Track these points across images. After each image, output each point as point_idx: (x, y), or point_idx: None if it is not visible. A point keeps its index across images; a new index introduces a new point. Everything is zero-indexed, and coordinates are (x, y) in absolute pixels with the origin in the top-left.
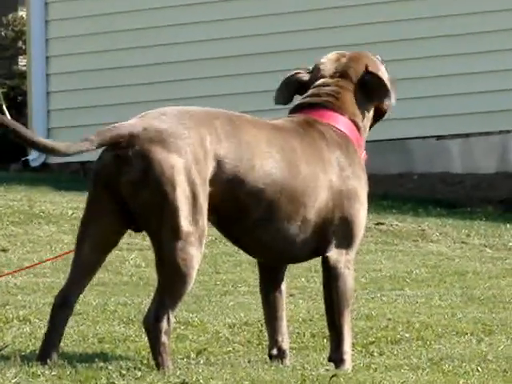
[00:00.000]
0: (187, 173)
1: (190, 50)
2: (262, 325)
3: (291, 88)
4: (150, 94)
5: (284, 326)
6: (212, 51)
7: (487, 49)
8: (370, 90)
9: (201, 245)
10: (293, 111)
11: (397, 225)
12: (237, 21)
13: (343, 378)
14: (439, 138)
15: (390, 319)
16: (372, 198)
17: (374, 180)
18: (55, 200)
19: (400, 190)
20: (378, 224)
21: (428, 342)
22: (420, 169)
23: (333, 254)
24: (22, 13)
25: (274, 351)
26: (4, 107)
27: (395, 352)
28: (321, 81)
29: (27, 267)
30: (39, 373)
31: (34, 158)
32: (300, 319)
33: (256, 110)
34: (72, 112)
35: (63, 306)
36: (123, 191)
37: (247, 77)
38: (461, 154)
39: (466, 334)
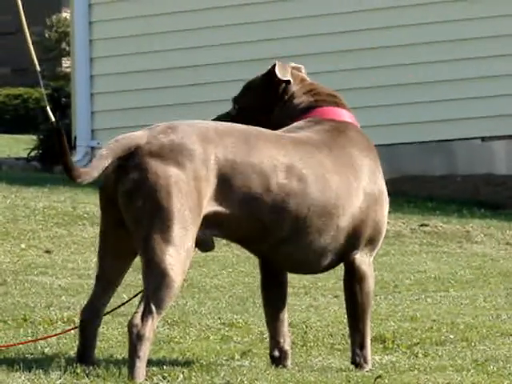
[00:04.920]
0: (184, 186)
1: (233, 52)
2: (306, 326)
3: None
4: (194, 96)
5: (285, 327)
6: (256, 52)
7: None
8: None
9: (188, 257)
10: (304, 112)
11: (441, 226)
12: (281, 22)
13: (388, 379)
14: (484, 139)
15: (434, 320)
16: (416, 199)
17: (418, 182)
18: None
19: (444, 192)
20: (422, 225)
21: (473, 344)
22: (464, 170)
23: (358, 255)
24: (65, 14)
25: (276, 353)
26: (48, 109)
27: (440, 353)
28: (302, 86)
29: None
30: (83, 374)
31: (78, 159)
32: (344, 321)
33: None
34: (116, 113)
35: (92, 320)
36: (119, 201)
37: None
38: (505, 156)
39: (511, 335)
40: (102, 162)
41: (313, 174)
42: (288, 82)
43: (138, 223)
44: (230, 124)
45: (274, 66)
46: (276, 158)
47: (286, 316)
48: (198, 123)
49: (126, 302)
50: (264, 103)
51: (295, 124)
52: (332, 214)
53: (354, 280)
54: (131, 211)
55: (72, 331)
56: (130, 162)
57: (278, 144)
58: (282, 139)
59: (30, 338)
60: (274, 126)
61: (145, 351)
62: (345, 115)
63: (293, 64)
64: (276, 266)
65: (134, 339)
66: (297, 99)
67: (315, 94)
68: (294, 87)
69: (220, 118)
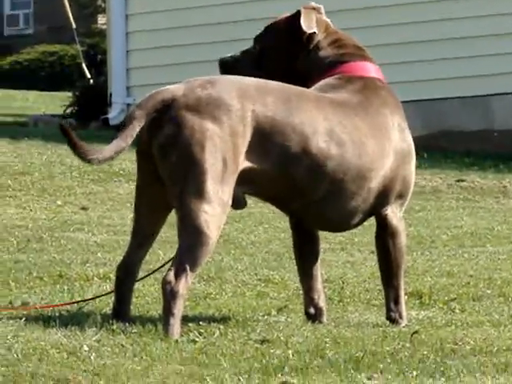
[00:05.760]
0: (219, 141)
1: (269, 7)
2: (343, 282)
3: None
4: (231, 52)
5: (319, 283)
6: (293, 8)
7: None
8: None
9: (224, 212)
10: (332, 67)
11: (478, 181)
12: None
13: (425, 334)
14: None
15: (471, 276)
16: (453, 154)
17: (455, 137)
18: (135, 158)
19: (481, 147)
20: (459, 181)
21: (510, 299)
22: (501, 125)
23: (389, 211)
24: None
25: (311, 309)
26: (84, 65)
27: (477, 309)
28: (330, 36)
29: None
30: (119, 330)
31: (114, 115)
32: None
33: None
34: (151, 70)
35: (127, 277)
36: (154, 155)
37: None
38: None
39: None
40: (134, 127)
41: (350, 139)
42: (313, 33)
43: (172, 178)
44: (272, 82)
45: (299, 14)
46: (317, 120)
47: (319, 272)
48: (239, 79)
49: (158, 268)
50: (286, 49)
51: (327, 81)
52: (366, 177)
53: (386, 235)
54: (166, 166)
55: (107, 287)
56: (165, 115)
57: (319, 106)
58: (321, 101)
59: (65, 295)
60: (298, 75)
61: (179, 308)
62: (372, 70)
63: (313, 4)
64: (306, 224)
65: (168, 296)
66: (323, 51)
67: (341, 47)
68: (319, 36)
69: (241, 55)
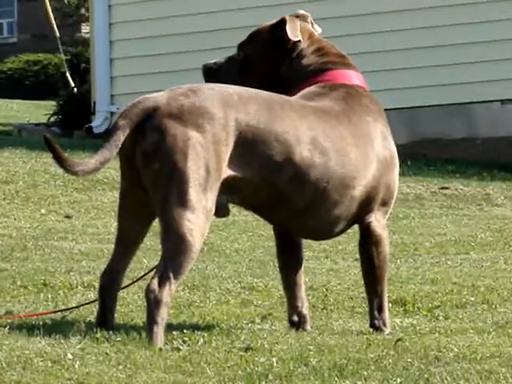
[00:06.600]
0: (202, 149)
1: (255, 16)
2: (327, 289)
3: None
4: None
5: (302, 291)
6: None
7: None
8: None
9: (207, 220)
10: (315, 75)
11: (461, 189)
12: None
13: (409, 342)
14: (504, 102)
15: (455, 283)
16: (436, 162)
17: (438, 145)
18: (119, 166)
19: (464, 155)
20: (442, 188)
21: (493, 306)
22: (484, 133)
23: (372, 219)
24: None
25: (295, 317)
26: (68, 74)
27: (460, 316)
28: (312, 45)
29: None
30: (103, 339)
31: (98, 124)
32: None
33: None
34: (135, 78)
35: (111, 286)
36: (137, 163)
37: None
38: None
39: None
40: (119, 137)
41: (334, 148)
42: (298, 41)
43: (155, 186)
44: (255, 90)
45: (284, 21)
46: (300, 129)
47: (302, 280)
48: (222, 87)
49: (142, 276)
50: (270, 56)
51: (310, 90)
52: (349, 185)
53: (369, 243)
54: (149, 174)
55: (92, 296)
56: (148, 123)
57: (302, 114)
58: (304, 109)
59: (49, 304)
60: (282, 83)
61: (162, 316)
62: (354, 78)
63: (301, 12)
64: (289, 233)
65: (152, 305)
66: (305, 59)
67: (324, 55)
68: (303, 44)
69: (225, 62)
